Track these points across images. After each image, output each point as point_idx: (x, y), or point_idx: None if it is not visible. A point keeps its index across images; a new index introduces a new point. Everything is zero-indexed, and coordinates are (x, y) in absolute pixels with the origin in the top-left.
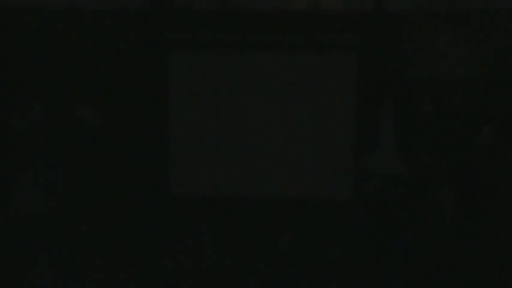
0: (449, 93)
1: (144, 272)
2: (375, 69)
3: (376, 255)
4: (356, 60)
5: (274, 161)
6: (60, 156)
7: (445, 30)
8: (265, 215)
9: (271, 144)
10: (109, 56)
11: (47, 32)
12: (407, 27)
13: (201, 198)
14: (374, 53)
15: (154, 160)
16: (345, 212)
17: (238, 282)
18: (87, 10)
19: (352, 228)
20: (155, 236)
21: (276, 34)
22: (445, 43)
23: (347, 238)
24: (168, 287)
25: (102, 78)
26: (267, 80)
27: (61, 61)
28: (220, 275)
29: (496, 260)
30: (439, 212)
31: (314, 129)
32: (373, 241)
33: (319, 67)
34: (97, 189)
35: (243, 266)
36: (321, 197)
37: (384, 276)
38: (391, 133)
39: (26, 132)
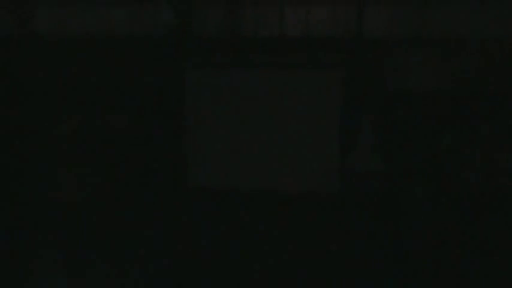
0: (420, 104)
1: (157, 264)
2: (357, 84)
3: (358, 248)
4: (341, 77)
5: (274, 162)
6: (95, 155)
7: (417, 53)
8: (265, 209)
9: (270, 148)
10: (135, 75)
11: (75, 56)
12: (384, 49)
13: (211, 191)
14: (356, 71)
15: (174, 162)
16: (333, 204)
17: (240, 276)
18: (117, 36)
19: (336, 220)
20: (173, 227)
21: (275, 56)
22: (416, 63)
23: (334, 230)
24: (184, 278)
25: (130, 93)
26: (266, 94)
27: (92, 80)
28: (222, 268)
29: (472, 253)
30: (413, 205)
31: (309, 133)
32: (355, 233)
33: (311, 82)
34: (123, 185)
35: (244, 261)
36: (315, 191)
37: (365, 269)
38: (371, 136)
39: (67, 137)
